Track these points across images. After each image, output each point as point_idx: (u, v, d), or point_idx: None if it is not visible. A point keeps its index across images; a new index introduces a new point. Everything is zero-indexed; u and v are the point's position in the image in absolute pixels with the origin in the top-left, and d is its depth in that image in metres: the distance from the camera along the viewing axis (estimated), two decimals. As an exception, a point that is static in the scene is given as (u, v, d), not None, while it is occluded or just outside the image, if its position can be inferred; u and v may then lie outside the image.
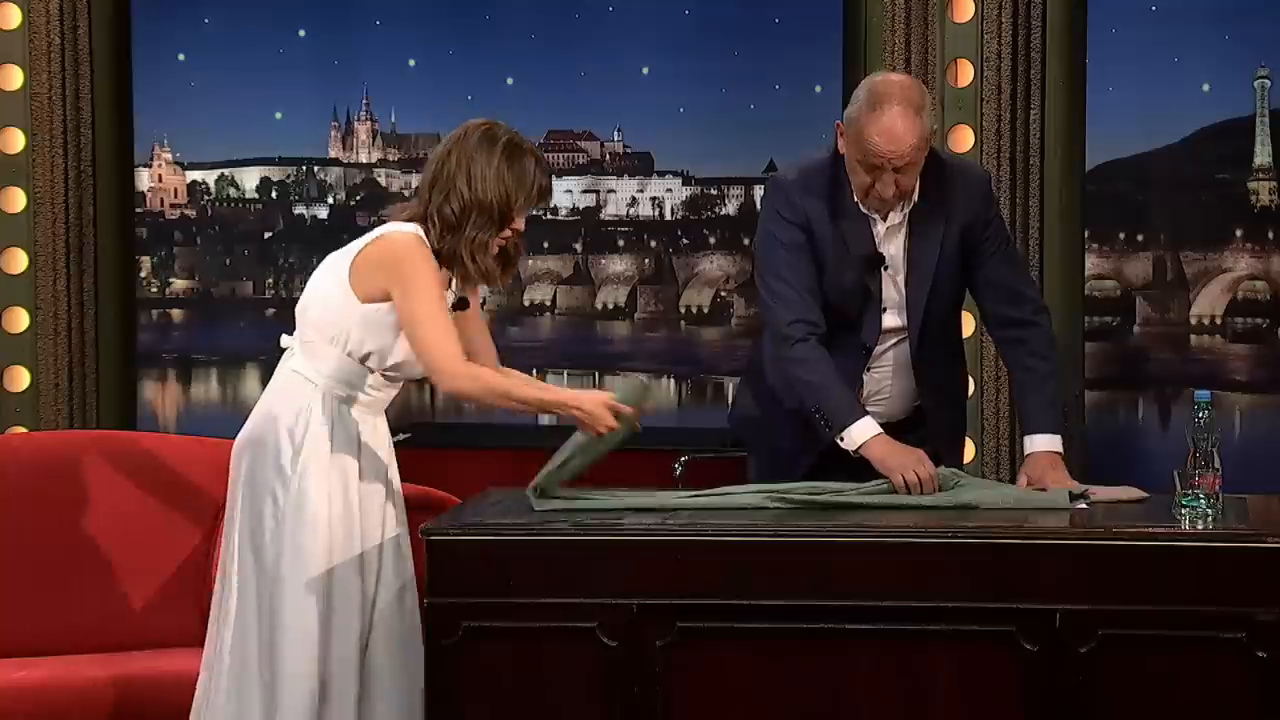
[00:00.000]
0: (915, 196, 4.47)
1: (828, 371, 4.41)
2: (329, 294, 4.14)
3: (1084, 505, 4.21)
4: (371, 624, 4.13)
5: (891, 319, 4.53)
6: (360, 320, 4.12)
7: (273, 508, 4.12)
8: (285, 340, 4.25)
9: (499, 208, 4.12)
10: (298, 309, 4.22)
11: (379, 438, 4.22)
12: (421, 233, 4.13)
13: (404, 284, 4.06)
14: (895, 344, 4.55)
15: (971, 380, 6.03)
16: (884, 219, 4.48)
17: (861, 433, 4.35)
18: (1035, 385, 4.55)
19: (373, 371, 4.16)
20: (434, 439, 4.34)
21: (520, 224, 4.17)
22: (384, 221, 4.20)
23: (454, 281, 4.22)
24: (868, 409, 4.50)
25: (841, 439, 4.36)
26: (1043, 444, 4.47)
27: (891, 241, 4.50)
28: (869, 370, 4.55)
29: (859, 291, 4.49)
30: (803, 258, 4.47)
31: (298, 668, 4.06)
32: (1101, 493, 4.30)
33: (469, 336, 4.23)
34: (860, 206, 4.46)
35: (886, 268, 4.49)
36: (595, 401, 4.10)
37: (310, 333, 4.17)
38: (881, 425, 4.45)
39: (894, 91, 4.34)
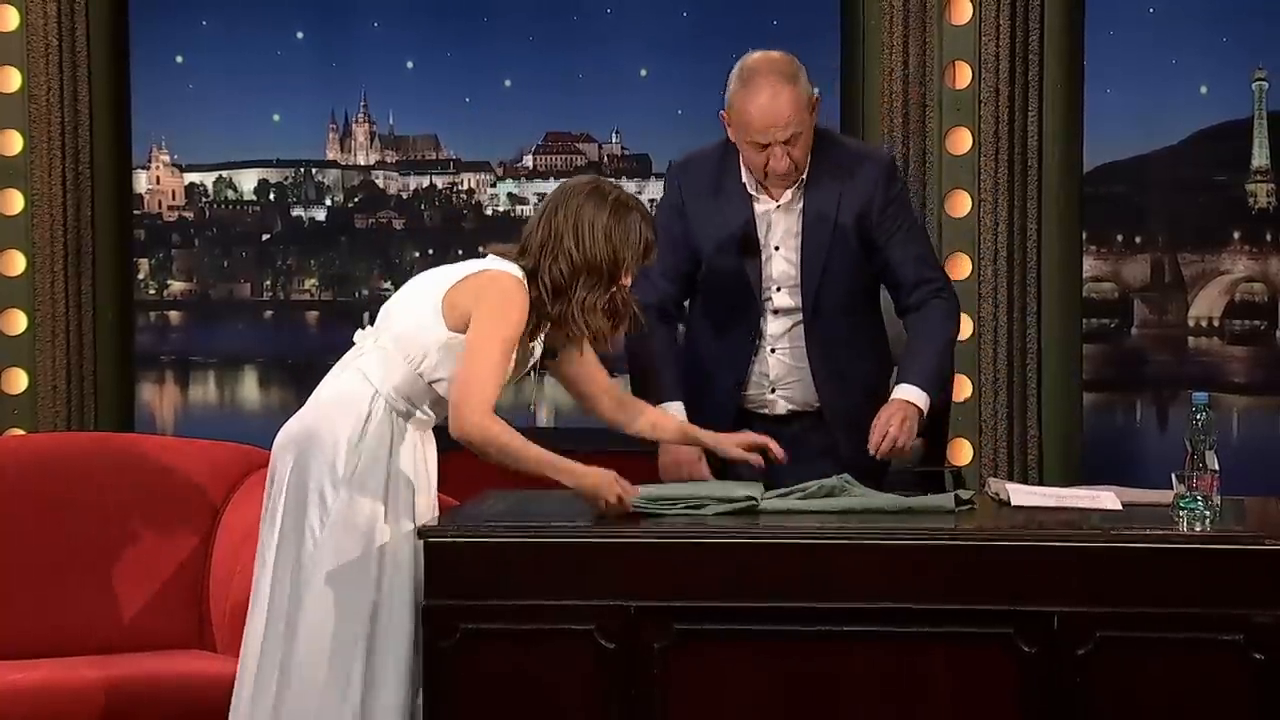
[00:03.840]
0: (804, 175, 4.49)
1: (651, 352, 4.51)
2: (420, 313, 4.11)
3: (969, 507, 4.18)
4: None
5: (785, 299, 4.54)
6: (441, 346, 4.08)
7: (320, 508, 4.06)
8: (359, 335, 4.21)
9: (607, 267, 4.11)
10: (383, 310, 4.18)
11: (429, 453, 4.20)
12: (524, 277, 4.10)
13: (486, 314, 4.04)
14: (794, 327, 4.56)
15: (969, 383, 6.06)
16: (774, 198, 4.51)
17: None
18: (919, 342, 4.54)
19: (439, 396, 4.15)
20: (432, 441, 4.34)
21: (628, 281, 4.16)
22: (481, 255, 4.18)
23: (542, 332, 4.19)
24: (776, 395, 4.57)
25: None
26: (903, 393, 4.45)
27: (783, 220, 4.52)
28: (773, 353, 4.56)
29: (740, 273, 4.52)
30: (669, 243, 4.50)
31: (318, 671, 4.04)
32: (1136, 495, 4.27)
33: (589, 377, 4.30)
34: (747, 187, 4.51)
35: (778, 248, 4.52)
36: (602, 478, 4.07)
37: (388, 340, 4.13)
38: (790, 414, 4.56)
39: (761, 66, 4.40)
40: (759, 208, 4.53)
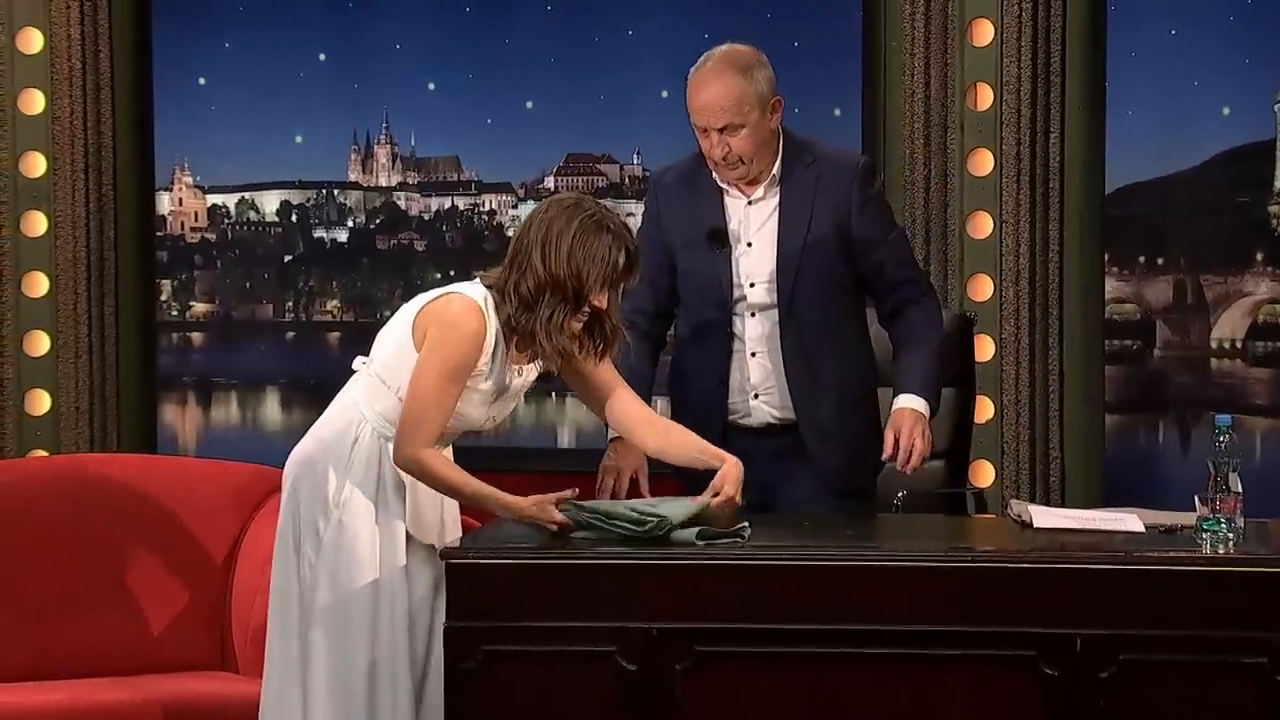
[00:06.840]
0: (776, 173, 4.49)
1: (631, 367, 4.42)
2: (398, 340, 4.10)
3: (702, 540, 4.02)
4: (428, 652, 4.11)
5: (763, 296, 4.51)
6: (411, 369, 4.08)
7: (314, 539, 4.09)
8: (358, 363, 4.21)
9: (572, 285, 4.01)
10: (377, 337, 4.19)
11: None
12: (485, 302, 4.06)
13: (428, 346, 4.02)
14: (775, 327, 4.51)
15: (991, 405, 6.05)
16: (745, 195, 4.50)
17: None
18: (910, 350, 4.50)
19: None
20: (452, 462, 4.34)
21: (601, 302, 4.05)
22: (471, 277, 4.15)
23: (530, 350, 4.12)
24: (759, 401, 4.52)
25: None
26: (907, 402, 4.42)
27: (757, 216, 4.51)
28: (754, 356, 4.52)
29: (712, 268, 4.51)
30: (652, 250, 4.48)
31: (333, 698, 4.04)
32: (1158, 517, 4.25)
33: (602, 383, 4.22)
34: (719, 183, 4.50)
35: (750, 244, 4.49)
36: (539, 509, 4.03)
37: (377, 367, 4.14)
38: (770, 426, 4.50)
39: (717, 53, 4.47)
40: (730, 203, 4.53)
